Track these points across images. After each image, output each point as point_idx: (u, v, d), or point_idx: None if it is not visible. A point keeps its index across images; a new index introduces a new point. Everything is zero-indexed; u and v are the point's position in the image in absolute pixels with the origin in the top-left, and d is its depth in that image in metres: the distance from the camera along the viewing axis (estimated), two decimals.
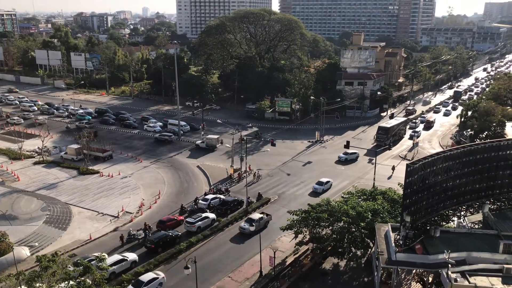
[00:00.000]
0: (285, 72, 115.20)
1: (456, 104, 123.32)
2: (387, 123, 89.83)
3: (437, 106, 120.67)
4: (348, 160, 77.02)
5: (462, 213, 41.27)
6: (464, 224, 42.90)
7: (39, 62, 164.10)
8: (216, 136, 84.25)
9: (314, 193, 62.36)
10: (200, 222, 52.05)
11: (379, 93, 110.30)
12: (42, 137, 77.26)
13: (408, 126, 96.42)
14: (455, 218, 43.21)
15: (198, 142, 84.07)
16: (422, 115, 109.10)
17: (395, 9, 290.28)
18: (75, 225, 53.47)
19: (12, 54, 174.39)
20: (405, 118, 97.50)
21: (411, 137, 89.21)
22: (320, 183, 64.18)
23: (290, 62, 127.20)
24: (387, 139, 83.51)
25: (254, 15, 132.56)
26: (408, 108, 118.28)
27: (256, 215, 53.24)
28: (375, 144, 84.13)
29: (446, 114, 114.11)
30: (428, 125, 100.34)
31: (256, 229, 50.80)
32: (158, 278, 41.39)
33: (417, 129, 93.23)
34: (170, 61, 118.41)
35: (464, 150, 38.04)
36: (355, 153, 78.08)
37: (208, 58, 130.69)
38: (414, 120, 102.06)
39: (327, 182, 64.78)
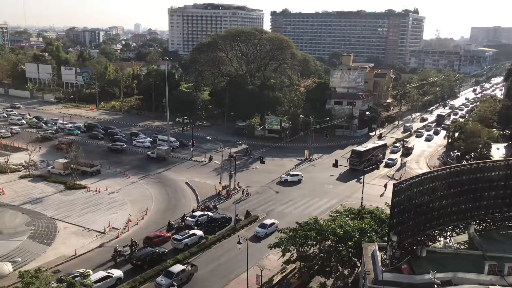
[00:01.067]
0: (275, 91, 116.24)
1: (439, 128, 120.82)
2: (362, 146, 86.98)
3: (419, 130, 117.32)
4: (289, 181, 74.88)
5: (448, 233, 41.50)
6: (450, 244, 43.17)
7: (29, 76, 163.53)
8: (165, 148, 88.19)
9: (256, 238, 54.25)
10: (187, 239, 51.68)
11: (367, 113, 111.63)
12: (29, 150, 76.56)
13: (389, 151, 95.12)
14: (442, 238, 43.47)
15: (149, 152, 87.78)
16: (405, 140, 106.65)
17: (384, 31, 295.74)
18: (60, 240, 52.72)
19: (1, 67, 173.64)
20: (383, 142, 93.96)
21: (387, 165, 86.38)
22: (263, 226, 56.22)
23: (281, 81, 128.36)
24: (360, 163, 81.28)
25: (246, 34, 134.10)
26: (406, 125, 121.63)
27: (177, 267, 44.90)
28: (348, 168, 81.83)
29: (428, 139, 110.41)
30: (406, 152, 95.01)
31: (176, 285, 42.93)
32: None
33: (393, 156, 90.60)
34: (161, 77, 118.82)
35: (451, 171, 38.50)
36: (297, 174, 76.72)
37: (199, 75, 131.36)
38: (395, 144, 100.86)
39: (272, 224, 56.52)
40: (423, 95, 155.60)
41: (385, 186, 71.84)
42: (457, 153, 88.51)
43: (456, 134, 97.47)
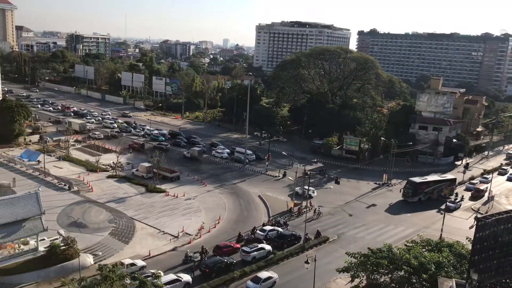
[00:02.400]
0: (356, 111, 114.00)
1: None
2: (421, 178, 79.52)
3: (503, 167, 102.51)
4: (299, 194, 73.06)
5: None
6: None
7: (124, 83, 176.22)
8: (198, 149, 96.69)
9: None
10: (255, 253, 51.96)
11: (454, 140, 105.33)
12: (117, 152, 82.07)
13: (463, 188, 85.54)
14: None
15: (185, 152, 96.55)
16: (484, 176, 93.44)
17: (479, 55, 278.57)
18: (137, 240, 55.58)
19: (101, 74, 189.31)
20: (451, 177, 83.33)
21: (447, 208, 70.26)
22: (256, 280, 46.11)
23: (363, 101, 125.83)
24: (413, 195, 76.01)
25: (330, 53, 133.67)
26: (509, 152, 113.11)
27: None
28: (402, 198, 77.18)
29: (510, 178, 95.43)
30: (477, 195, 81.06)
31: None
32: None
33: (457, 200, 76.85)
34: (243, 92, 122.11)
35: None
36: (310, 189, 72.07)
37: (280, 91, 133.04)
38: (472, 181, 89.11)
39: (268, 278, 46.51)
40: None
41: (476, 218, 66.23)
42: None
43: None
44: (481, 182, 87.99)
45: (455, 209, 73.93)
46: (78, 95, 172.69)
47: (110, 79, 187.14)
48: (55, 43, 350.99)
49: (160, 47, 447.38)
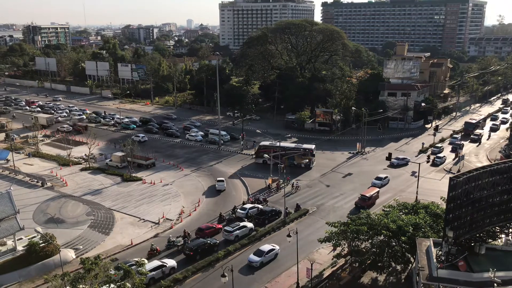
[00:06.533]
0: (326, 83, 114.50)
1: (462, 143, 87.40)
2: (270, 142, 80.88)
3: (437, 145, 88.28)
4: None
5: (510, 230, 39.34)
6: None
7: (88, 73, 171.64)
8: (78, 117, 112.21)
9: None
10: (238, 231, 52.38)
11: (423, 104, 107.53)
12: (89, 144, 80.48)
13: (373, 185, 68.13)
14: (503, 235, 41.26)
15: (68, 122, 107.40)
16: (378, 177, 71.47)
17: (441, 18, 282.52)
18: (117, 230, 55.15)
19: (64, 65, 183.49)
20: (307, 147, 78.60)
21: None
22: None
23: (332, 73, 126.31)
24: (256, 157, 79.88)
25: (296, 26, 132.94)
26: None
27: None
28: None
29: (436, 163, 79.67)
30: (361, 204, 59.98)
31: None
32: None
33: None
34: (212, 72, 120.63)
35: None
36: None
37: (249, 69, 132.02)
38: (379, 176, 70.85)
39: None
40: (483, 85, 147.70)
41: None
42: None
43: None
44: (362, 195, 62.04)
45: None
46: (42, 89, 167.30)
47: (74, 70, 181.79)
48: (11, 36, 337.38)
49: (123, 32, 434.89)
